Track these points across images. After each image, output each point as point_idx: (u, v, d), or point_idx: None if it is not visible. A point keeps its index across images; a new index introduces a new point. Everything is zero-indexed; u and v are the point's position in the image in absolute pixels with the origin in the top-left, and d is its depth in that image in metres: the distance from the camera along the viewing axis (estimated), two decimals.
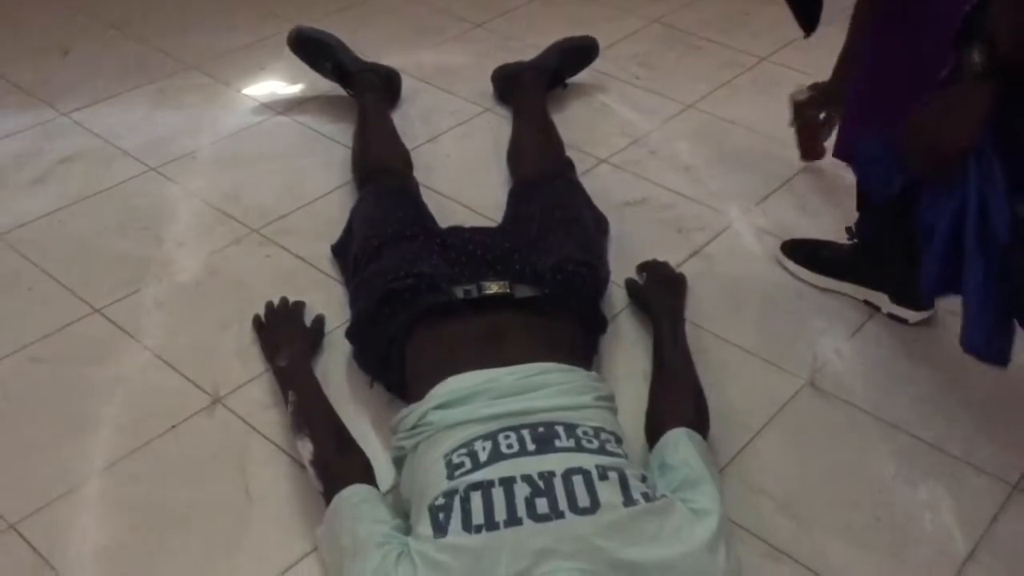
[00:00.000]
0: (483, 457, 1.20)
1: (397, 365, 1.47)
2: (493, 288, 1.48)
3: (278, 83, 2.40)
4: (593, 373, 1.42)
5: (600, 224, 1.85)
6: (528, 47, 2.32)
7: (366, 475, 1.33)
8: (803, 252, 1.80)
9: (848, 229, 1.74)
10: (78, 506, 1.38)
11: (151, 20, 2.65)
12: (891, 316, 1.70)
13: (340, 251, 1.79)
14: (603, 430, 1.27)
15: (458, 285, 1.49)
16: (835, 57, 1.78)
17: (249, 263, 1.83)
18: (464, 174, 2.07)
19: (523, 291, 1.49)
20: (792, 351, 1.65)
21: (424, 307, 1.47)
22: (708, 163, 2.12)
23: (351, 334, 1.58)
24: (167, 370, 1.59)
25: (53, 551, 1.31)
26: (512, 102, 2.25)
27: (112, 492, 1.41)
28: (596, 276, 1.66)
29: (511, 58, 2.35)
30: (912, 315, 1.68)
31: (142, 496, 1.40)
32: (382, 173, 1.92)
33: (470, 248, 1.60)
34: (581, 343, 1.52)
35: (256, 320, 1.67)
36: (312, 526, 1.32)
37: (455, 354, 1.39)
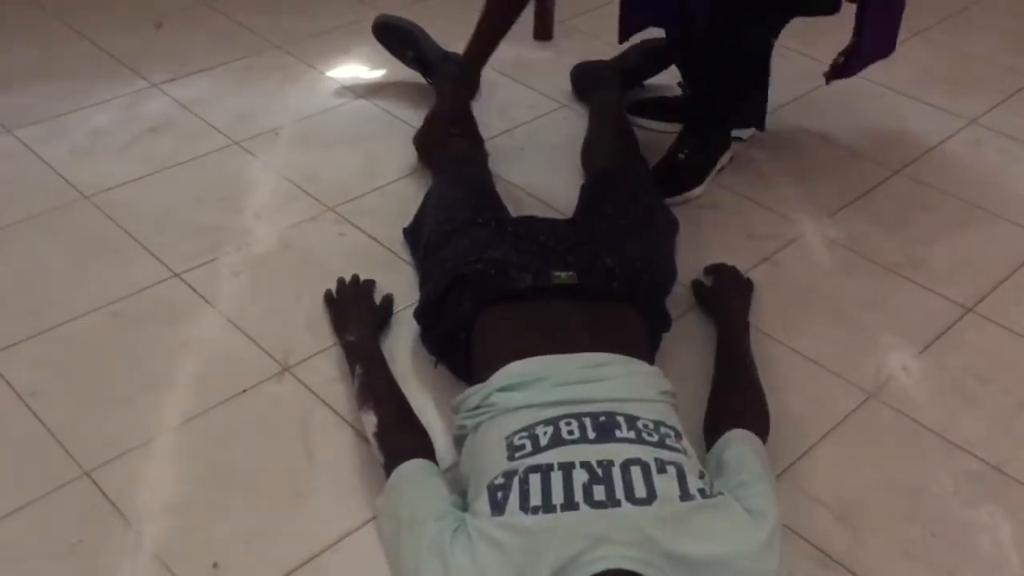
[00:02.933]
0: (544, 441, 1.22)
1: (462, 347, 1.49)
2: (561, 277, 1.49)
3: (360, 67, 2.44)
4: (656, 368, 1.43)
5: (670, 224, 1.86)
6: (608, 46, 2.33)
7: (427, 451, 1.36)
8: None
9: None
10: (150, 459, 1.43)
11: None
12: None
13: (412, 234, 1.83)
14: (664, 424, 1.27)
15: (527, 272, 1.51)
16: None
17: (323, 239, 1.87)
18: (537, 167, 2.09)
19: (590, 283, 1.50)
20: (857, 364, 1.64)
21: (492, 292, 1.49)
22: (784, 171, 2.11)
23: (419, 315, 1.61)
24: (240, 336, 1.64)
25: (123, 500, 1.36)
26: (589, 100, 2.26)
27: (182, 448, 1.45)
28: (662, 275, 1.67)
29: (591, 56, 2.37)
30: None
31: (210, 455, 1.44)
32: (458, 161, 1.95)
33: (540, 238, 1.62)
34: (645, 339, 1.52)
35: (327, 295, 1.71)
36: (372, 496, 1.36)
37: (521, 339, 1.41)
